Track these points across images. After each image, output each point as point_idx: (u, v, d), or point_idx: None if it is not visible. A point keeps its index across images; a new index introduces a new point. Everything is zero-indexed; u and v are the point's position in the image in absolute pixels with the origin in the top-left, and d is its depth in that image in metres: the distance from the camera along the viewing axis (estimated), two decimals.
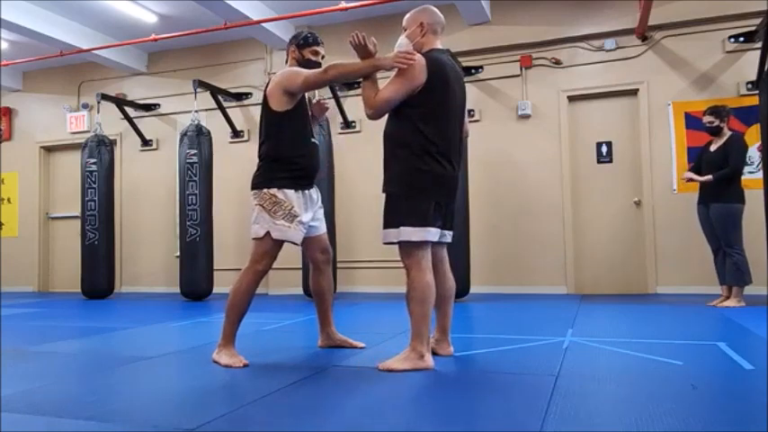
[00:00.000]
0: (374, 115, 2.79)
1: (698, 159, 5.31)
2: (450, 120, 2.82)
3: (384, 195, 2.84)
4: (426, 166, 2.72)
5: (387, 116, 2.86)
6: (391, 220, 2.75)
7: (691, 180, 5.19)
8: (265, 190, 2.97)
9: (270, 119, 3.03)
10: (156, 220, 8.11)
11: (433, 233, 2.75)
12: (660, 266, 6.24)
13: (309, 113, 3.16)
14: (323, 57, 3.18)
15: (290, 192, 2.97)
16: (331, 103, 3.48)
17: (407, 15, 2.94)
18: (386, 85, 2.77)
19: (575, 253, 6.54)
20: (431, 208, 2.73)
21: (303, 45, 3.13)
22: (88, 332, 4.30)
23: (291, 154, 3.00)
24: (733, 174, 4.97)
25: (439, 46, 2.89)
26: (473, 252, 6.19)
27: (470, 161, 6.13)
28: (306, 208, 3.03)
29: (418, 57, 2.75)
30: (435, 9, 2.95)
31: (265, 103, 3.04)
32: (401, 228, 2.71)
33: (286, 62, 3.21)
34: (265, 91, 3.06)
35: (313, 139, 3.12)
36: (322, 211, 3.22)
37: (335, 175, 6.75)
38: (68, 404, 2.28)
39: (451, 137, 2.81)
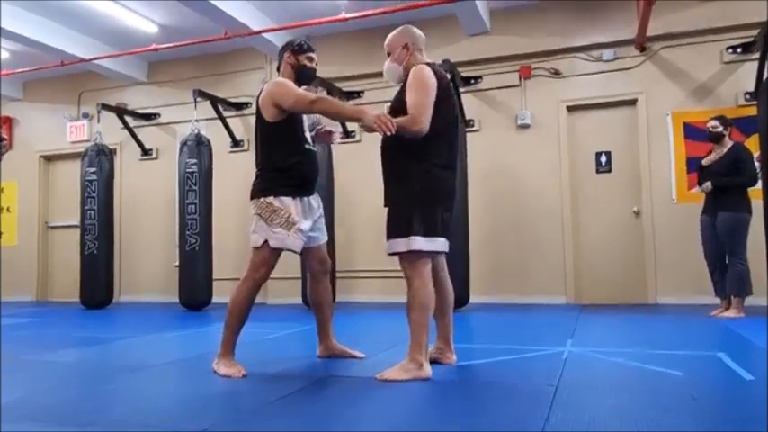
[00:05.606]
0: (424, 128, 2.67)
1: (699, 170, 5.31)
2: (453, 130, 2.87)
3: (387, 207, 2.83)
4: (439, 177, 2.75)
5: None
6: (399, 229, 2.72)
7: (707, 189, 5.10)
8: (263, 198, 2.96)
9: (264, 128, 3.03)
10: (155, 229, 8.11)
11: (441, 243, 2.77)
12: (660, 276, 6.23)
13: (308, 126, 3.15)
14: (316, 63, 3.19)
15: (288, 199, 2.95)
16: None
17: (388, 39, 2.96)
18: (410, 98, 2.70)
19: (574, 263, 6.54)
20: (440, 218, 2.75)
21: (299, 51, 3.12)
22: (87, 342, 4.29)
23: (288, 162, 2.98)
24: (751, 183, 4.98)
25: (427, 61, 2.91)
26: (473, 261, 6.18)
27: (470, 171, 6.14)
28: (305, 216, 3.02)
29: (423, 66, 2.76)
30: (414, 28, 2.98)
31: (259, 114, 3.04)
32: (411, 237, 2.68)
33: (278, 69, 3.19)
34: (257, 101, 3.05)
35: (310, 146, 3.10)
36: (323, 219, 3.21)
37: (335, 185, 6.75)
38: (67, 412, 2.27)
39: (456, 147, 2.87)
